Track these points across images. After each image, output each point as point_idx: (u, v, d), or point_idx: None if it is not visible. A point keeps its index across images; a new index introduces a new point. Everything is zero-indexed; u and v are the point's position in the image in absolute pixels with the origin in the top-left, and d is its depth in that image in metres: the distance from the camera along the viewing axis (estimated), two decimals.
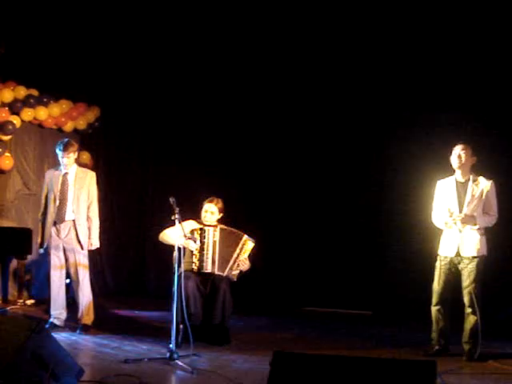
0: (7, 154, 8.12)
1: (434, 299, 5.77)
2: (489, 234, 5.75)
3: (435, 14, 7.65)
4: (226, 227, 6.34)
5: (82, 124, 8.99)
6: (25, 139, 8.50)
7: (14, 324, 4.09)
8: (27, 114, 8.23)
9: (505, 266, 7.30)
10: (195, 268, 6.11)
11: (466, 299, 5.65)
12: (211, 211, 6.31)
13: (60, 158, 6.39)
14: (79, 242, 6.37)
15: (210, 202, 6.35)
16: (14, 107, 8.10)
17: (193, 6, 8.15)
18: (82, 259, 6.42)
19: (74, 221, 6.38)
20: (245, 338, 6.46)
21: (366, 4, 7.84)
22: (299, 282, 8.50)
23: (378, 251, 8.36)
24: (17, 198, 8.43)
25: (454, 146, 5.75)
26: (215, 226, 6.28)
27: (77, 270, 6.38)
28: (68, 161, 6.39)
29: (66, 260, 6.41)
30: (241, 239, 6.23)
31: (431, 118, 7.89)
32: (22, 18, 7.98)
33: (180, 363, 5.07)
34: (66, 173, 6.45)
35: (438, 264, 5.78)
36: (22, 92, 8.20)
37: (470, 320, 5.64)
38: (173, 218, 5.46)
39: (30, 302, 7.99)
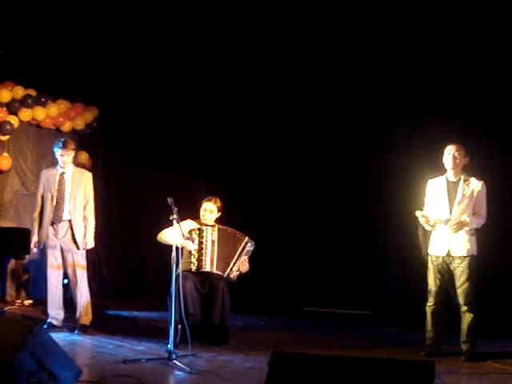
0: (5, 154, 8.12)
1: (430, 299, 5.78)
2: (479, 234, 5.76)
3: (427, 15, 7.68)
4: (224, 227, 6.34)
5: (80, 124, 8.98)
6: (23, 139, 8.50)
7: (11, 324, 4.08)
8: (25, 114, 8.22)
9: (494, 265, 7.28)
10: (194, 268, 6.11)
11: (460, 298, 5.65)
12: (210, 210, 6.32)
13: (59, 157, 6.38)
14: (75, 242, 6.36)
15: (209, 200, 6.35)
16: (12, 107, 8.10)
17: (191, 6, 8.15)
18: (80, 260, 6.41)
19: (70, 221, 6.38)
20: (243, 337, 6.46)
21: (360, 7, 7.85)
22: (298, 281, 8.50)
23: (377, 251, 8.37)
24: (15, 198, 8.42)
25: (446, 146, 5.76)
26: (213, 226, 6.28)
27: (75, 270, 6.38)
28: (67, 159, 6.38)
29: (64, 260, 6.40)
30: (242, 241, 6.24)
31: (427, 117, 7.91)
32: (20, 18, 7.97)
33: (178, 363, 5.07)
34: (63, 172, 6.44)
35: (430, 263, 5.79)
36: (19, 92, 8.20)
37: (467, 318, 5.64)
38: (171, 218, 5.46)
39: (27, 302, 7.99)
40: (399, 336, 6.94)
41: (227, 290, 6.07)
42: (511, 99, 7.67)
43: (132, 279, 9.41)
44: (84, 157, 8.90)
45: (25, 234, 7.86)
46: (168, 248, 5.78)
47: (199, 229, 6.19)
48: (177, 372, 5.01)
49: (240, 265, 6.23)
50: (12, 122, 8.01)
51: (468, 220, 5.56)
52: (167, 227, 6.02)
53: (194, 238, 6.09)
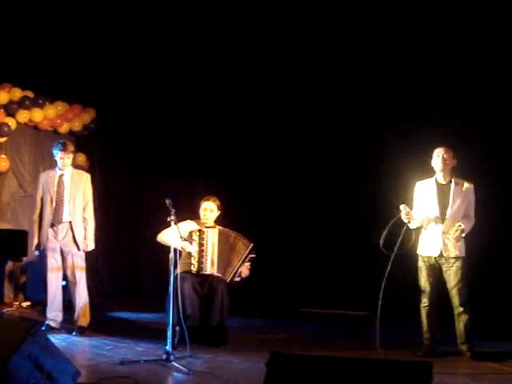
0: (3, 156, 8.11)
1: (424, 299, 5.79)
2: (468, 235, 5.77)
3: (421, 20, 7.71)
4: (226, 230, 6.34)
5: (77, 126, 8.98)
6: (20, 141, 8.50)
7: (9, 326, 4.08)
8: (23, 115, 8.22)
9: (482, 267, 7.29)
10: (194, 270, 6.11)
11: (455, 299, 5.66)
12: (210, 209, 6.33)
13: (58, 159, 6.39)
14: (76, 243, 6.37)
15: (208, 200, 6.37)
16: (10, 109, 8.10)
17: (190, 7, 8.15)
18: (80, 261, 6.42)
19: (70, 222, 6.38)
20: (241, 339, 6.46)
21: (360, 8, 7.87)
22: (296, 282, 8.50)
23: (373, 252, 8.36)
24: (12, 199, 8.42)
25: (435, 149, 5.78)
26: (214, 228, 6.28)
27: (74, 272, 6.38)
28: (67, 161, 6.40)
29: (63, 262, 6.40)
30: (248, 247, 6.24)
31: (419, 118, 7.94)
32: (17, 20, 7.97)
33: (176, 365, 5.07)
34: (62, 174, 6.44)
35: (421, 264, 5.80)
36: (17, 94, 8.20)
37: (463, 319, 5.66)
38: (169, 219, 5.46)
39: (25, 304, 7.97)
40: (396, 337, 6.93)
41: (226, 291, 6.07)
42: (501, 102, 7.72)
43: (130, 280, 9.40)
44: (81, 158, 8.90)
45: (22, 235, 7.86)
46: (166, 249, 5.79)
47: (200, 230, 6.19)
48: (175, 373, 5.01)
49: (243, 270, 6.25)
50: (9, 123, 8.00)
51: (463, 226, 5.57)
52: (167, 228, 6.02)
53: (194, 239, 6.10)
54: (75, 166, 7.54)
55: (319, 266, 8.50)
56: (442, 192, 5.73)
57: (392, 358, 5.16)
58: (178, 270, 5.78)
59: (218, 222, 6.47)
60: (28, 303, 7.99)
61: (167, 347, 5.21)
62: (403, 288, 7.73)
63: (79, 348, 5.87)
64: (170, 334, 5.26)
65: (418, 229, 5.84)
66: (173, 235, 5.60)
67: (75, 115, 8.90)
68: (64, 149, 6.35)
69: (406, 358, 5.03)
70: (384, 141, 8.19)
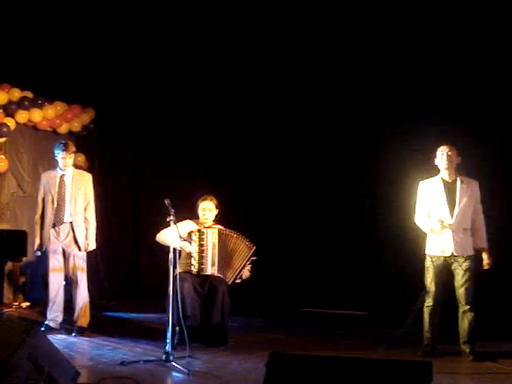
0: (2, 157, 8.11)
1: (429, 299, 5.78)
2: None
3: (422, 20, 7.70)
4: (227, 230, 6.31)
5: (76, 126, 8.97)
6: (19, 141, 8.49)
7: (9, 327, 4.07)
8: (22, 116, 8.21)
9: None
10: (194, 270, 6.10)
11: (462, 297, 5.66)
12: (209, 208, 6.32)
13: (60, 159, 6.39)
14: (77, 243, 6.37)
15: (206, 199, 6.35)
16: (9, 109, 8.09)
17: (188, 7, 8.14)
18: (81, 262, 6.43)
19: (71, 223, 6.38)
20: (241, 339, 6.45)
21: (355, 12, 7.88)
22: (295, 283, 8.50)
23: (373, 252, 8.38)
24: (11, 200, 8.42)
25: (439, 147, 5.76)
26: (213, 228, 6.26)
27: (75, 272, 6.38)
28: (70, 161, 6.42)
29: (65, 262, 6.40)
30: (251, 249, 6.23)
31: (419, 119, 7.93)
32: (16, 20, 7.96)
33: (176, 365, 5.06)
34: (63, 174, 6.44)
35: (429, 264, 5.76)
36: (16, 94, 8.20)
37: (468, 317, 5.66)
38: (168, 219, 5.46)
39: (25, 304, 7.97)
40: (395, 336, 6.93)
41: (227, 291, 6.08)
42: (501, 101, 7.71)
43: (129, 281, 9.40)
44: (81, 159, 8.89)
45: (21, 236, 7.87)
46: (165, 249, 5.78)
47: (199, 230, 6.18)
48: (174, 373, 5.00)
49: (244, 272, 6.25)
50: (9, 124, 8.00)
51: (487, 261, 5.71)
52: (166, 228, 6.02)
53: (194, 239, 6.09)
54: (74, 166, 7.52)
55: (319, 266, 8.50)
56: (449, 190, 5.70)
57: (392, 357, 5.16)
58: (178, 270, 5.78)
59: (218, 220, 6.46)
60: (27, 304, 7.98)
61: (167, 347, 5.20)
62: (404, 288, 7.75)
63: (79, 348, 5.85)
64: (169, 334, 5.25)
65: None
66: (172, 235, 5.59)
67: (74, 115, 8.90)
68: (66, 149, 6.35)
69: (406, 358, 5.03)
70: (383, 141, 8.20)
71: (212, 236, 6.17)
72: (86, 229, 6.45)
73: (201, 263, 6.10)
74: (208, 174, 8.82)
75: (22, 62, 8.14)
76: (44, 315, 6.49)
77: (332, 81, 8.44)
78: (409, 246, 7.58)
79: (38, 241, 6.43)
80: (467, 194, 5.69)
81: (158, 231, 6.22)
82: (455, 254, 5.64)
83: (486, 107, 7.77)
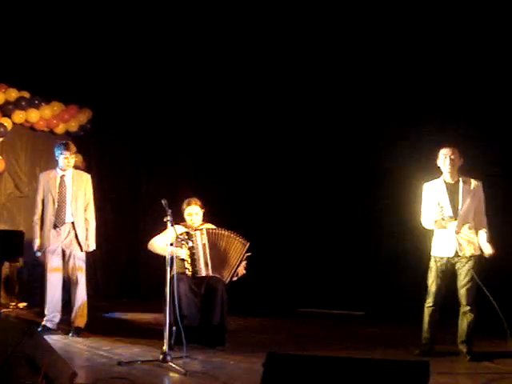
0: None
1: (429, 300, 5.78)
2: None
3: (422, 21, 7.72)
4: (215, 229, 6.28)
5: (73, 126, 8.96)
6: (16, 142, 8.48)
7: (5, 327, 4.07)
8: (19, 116, 8.20)
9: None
10: (189, 273, 6.09)
11: (464, 298, 5.67)
12: (195, 212, 6.26)
13: (62, 159, 6.36)
14: (78, 243, 6.36)
15: (190, 204, 6.27)
16: (6, 109, 8.08)
17: (186, 7, 8.14)
18: (80, 262, 6.42)
19: (72, 223, 6.38)
20: (238, 339, 6.45)
21: (355, 13, 7.89)
22: (292, 283, 8.51)
23: (370, 252, 8.39)
24: (8, 200, 8.41)
25: (441, 149, 5.76)
26: (201, 229, 6.22)
27: (75, 272, 6.37)
28: (72, 161, 6.42)
29: (64, 262, 6.39)
30: (246, 246, 6.20)
31: (421, 120, 7.95)
32: (13, 20, 7.95)
33: (173, 365, 5.05)
34: (63, 175, 6.43)
35: (433, 265, 5.77)
36: (13, 94, 8.18)
37: (468, 318, 5.66)
38: (165, 220, 5.45)
39: (22, 304, 7.96)
40: (392, 336, 6.94)
41: (225, 291, 6.07)
42: (501, 102, 7.72)
43: (126, 281, 9.40)
44: (78, 159, 8.84)
45: (18, 236, 7.84)
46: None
47: (187, 233, 6.13)
48: (171, 374, 4.99)
49: (240, 269, 6.23)
50: (5, 124, 7.98)
51: (490, 248, 5.63)
52: (159, 233, 5.99)
53: (184, 243, 6.01)
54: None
55: (316, 267, 8.51)
56: (452, 192, 5.71)
57: (389, 357, 5.17)
58: (175, 271, 5.77)
59: (209, 219, 6.42)
60: (24, 304, 7.98)
61: (164, 348, 5.20)
62: (401, 289, 7.77)
63: (76, 349, 5.84)
64: (166, 334, 5.25)
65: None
66: (162, 242, 5.57)
67: (71, 116, 8.89)
68: (68, 149, 6.34)
69: (403, 358, 5.03)
70: (383, 141, 8.21)
71: (201, 237, 6.12)
72: (87, 229, 6.44)
73: (194, 265, 6.07)
74: (208, 174, 8.83)
75: (18, 62, 8.13)
76: (41, 316, 6.48)
77: (332, 81, 8.45)
78: (407, 247, 7.62)
79: (38, 241, 6.41)
80: (469, 194, 5.70)
81: (154, 235, 6.19)
82: (459, 254, 5.65)
83: (488, 108, 7.77)
